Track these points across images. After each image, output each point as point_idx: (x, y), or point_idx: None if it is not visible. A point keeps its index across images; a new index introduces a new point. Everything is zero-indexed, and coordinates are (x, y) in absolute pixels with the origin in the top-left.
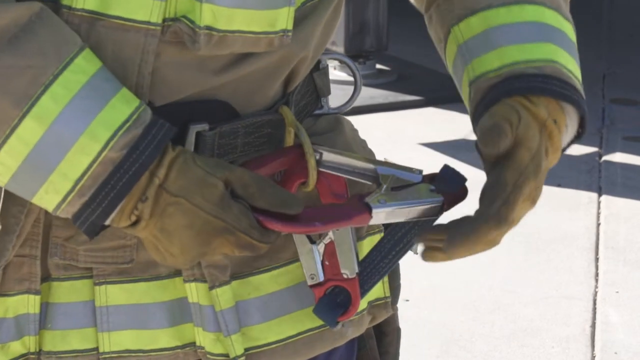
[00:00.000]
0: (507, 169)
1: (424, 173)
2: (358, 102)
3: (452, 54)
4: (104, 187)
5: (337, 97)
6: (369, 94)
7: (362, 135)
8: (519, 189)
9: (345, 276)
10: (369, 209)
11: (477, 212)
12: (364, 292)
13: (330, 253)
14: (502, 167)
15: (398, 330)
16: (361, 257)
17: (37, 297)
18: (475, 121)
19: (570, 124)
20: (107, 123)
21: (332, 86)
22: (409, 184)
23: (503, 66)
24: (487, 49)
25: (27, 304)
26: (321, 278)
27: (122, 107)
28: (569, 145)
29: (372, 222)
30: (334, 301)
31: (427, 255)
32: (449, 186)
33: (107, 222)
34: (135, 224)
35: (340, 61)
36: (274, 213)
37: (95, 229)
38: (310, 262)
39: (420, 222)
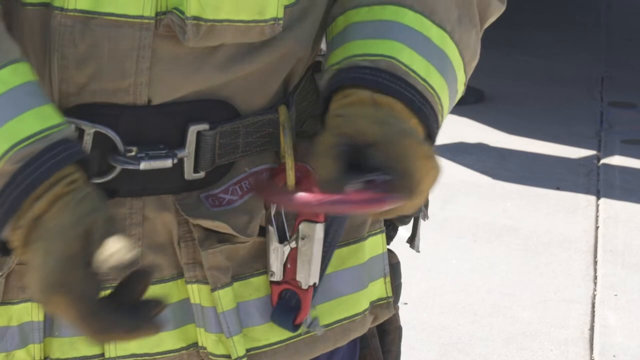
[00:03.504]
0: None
1: None
2: None
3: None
4: None
5: None
6: None
7: None
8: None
9: (299, 284)
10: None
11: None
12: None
13: (292, 258)
14: None
15: (399, 329)
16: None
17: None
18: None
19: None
20: (9, 135)
21: None
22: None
23: (343, 59)
24: (339, 44)
25: (30, 312)
26: (279, 278)
27: (32, 122)
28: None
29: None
30: (287, 305)
31: None
32: None
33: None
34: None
35: None
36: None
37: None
38: (274, 259)
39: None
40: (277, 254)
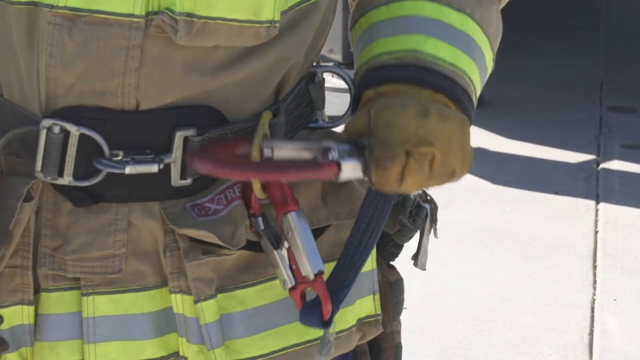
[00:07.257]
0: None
1: None
2: None
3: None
4: None
5: (334, 105)
6: None
7: None
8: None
9: (308, 278)
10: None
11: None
12: (345, 288)
13: (293, 257)
14: None
15: (397, 346)
16: None
17: (31, 308)
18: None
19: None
20: None
21: (329, 93)
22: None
23: (369, 59)
24: (364, 45)
25: (21, 315)
26: (292, 282)
27: None
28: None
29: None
30: (310, 304)
31: None
32: None
33: None
34: None
35: (336, 73)
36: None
37: None
38: (279, 268)
39: (379, 210)
40: (280, 261)
